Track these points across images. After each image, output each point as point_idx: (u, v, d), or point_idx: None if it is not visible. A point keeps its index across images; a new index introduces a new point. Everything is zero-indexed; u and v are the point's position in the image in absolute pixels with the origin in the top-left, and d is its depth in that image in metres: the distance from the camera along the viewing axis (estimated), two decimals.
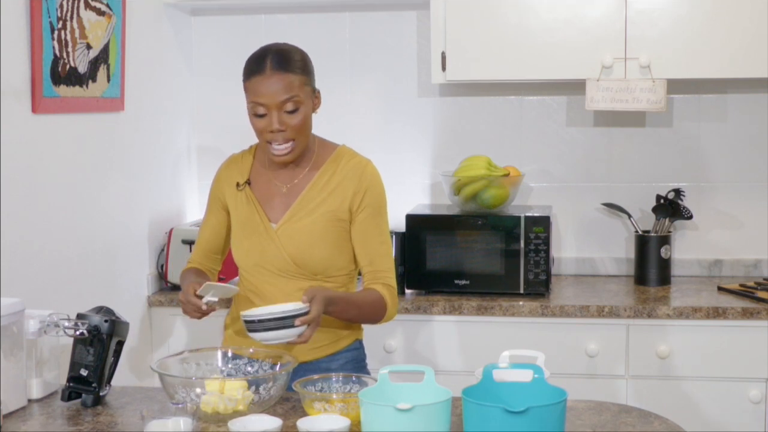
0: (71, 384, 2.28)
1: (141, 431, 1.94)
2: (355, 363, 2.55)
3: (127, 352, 3.37)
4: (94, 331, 2.27)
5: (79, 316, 2.28)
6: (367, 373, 2.56)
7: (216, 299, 2.35)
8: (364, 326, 2.63)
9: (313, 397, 2.10)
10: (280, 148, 2.42)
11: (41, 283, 2.84)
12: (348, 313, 2.46)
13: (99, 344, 2.27)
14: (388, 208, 2.56)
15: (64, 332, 2.28)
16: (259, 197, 2.53)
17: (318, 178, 2.50)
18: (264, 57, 2.42)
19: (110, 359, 2.30)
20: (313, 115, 2.50)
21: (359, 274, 2.57)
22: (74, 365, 2.29)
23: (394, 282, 2.52)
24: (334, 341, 2.52)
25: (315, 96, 2.48)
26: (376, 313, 2.49)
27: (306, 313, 2.25)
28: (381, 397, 1.95)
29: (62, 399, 2.28)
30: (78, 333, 2.26)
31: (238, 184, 2.55)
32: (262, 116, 2.41)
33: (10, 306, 2.20)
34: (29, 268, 2.79)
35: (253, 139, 3.97)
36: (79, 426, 2.14)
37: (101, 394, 2.28)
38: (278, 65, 2.39)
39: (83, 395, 2.27)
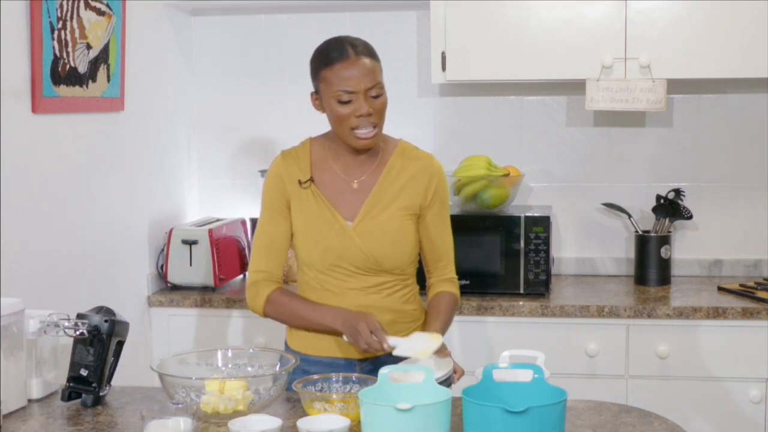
0: (71, 384, 2.28)
1: (141, 431, 1.93)
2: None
3: (127, 352, 3.36)
4: (94, 331, 2.27)
5: (79, 316, 2.28)
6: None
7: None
8: None
9: (313, 397, 2.10)
10: (366, 132, 2.41)
11: (41, 283, 2.84)
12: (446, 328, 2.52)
13: (99, 344, 2.27)
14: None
15: (64, 332, 2.28)
16: (327, 194, 2.48)
17: (387, 172, 2.49)
18: (342, 45, 2.40)
19: (110, 359, 2.30)
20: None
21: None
22: (74, 365, 2.28)
23: (454, 273, 2.61)
24: (410, 332, 2.48)
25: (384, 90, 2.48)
26: (454, 311, 2.59)
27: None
28: (381, 397, 1.95)
29: (62, 399, 2.28)
30: (78, 333, 2.26)
31: (300, 182, 2.48)
32: (346, 102, 2.38)
33: (10, 306, 2.20)
34: (29, 268, 2.79)
35: (254, 139, 3.96)
36: (79, 426, 2.14)
37: (101, 394, 2.28)
38: (361, 51, 2.40)
39: (83, 395, 2.27)
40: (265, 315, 2.51)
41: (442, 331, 2.45)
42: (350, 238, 2.44)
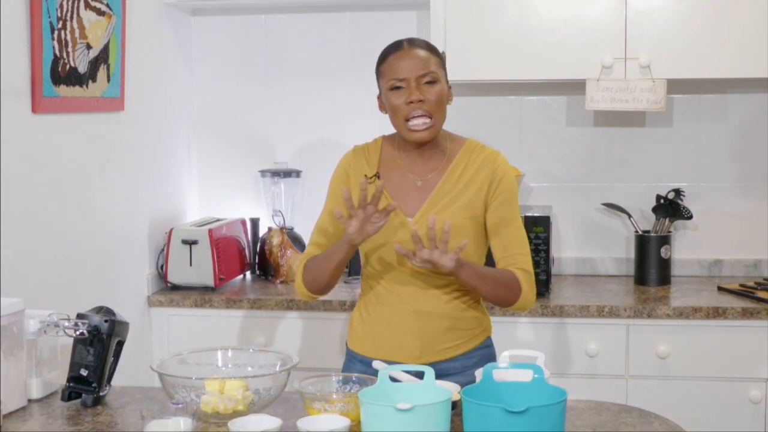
0: (71, 384, 2.28)
1: (141, 431, 1.94)
2: (487, 360, 2.53)
3: (127, 352, 3.36)
4: (94, 331, 2.27)
5: (79, 316, 2.28)
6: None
7: None
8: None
9: (313, 397, 2.10)
10: (419, 123, 2.41)
11: (41, 283, 2.84)
12: (476, 281, 2.40)
13: (99, 344, 2.27)
14: (518, 197, 2.55)
15: (64, 332, 2.28)
16: (392, 191, 2.48)
17: (451, 171, 2.48)
18: (399, 41, 2.46)
19: (110, 359, 2.30)
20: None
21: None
22: (74, 365, 2.28)
23: (529, 266, 2.48)
24: (468, 340, 2.50)
25: (449, 87, 2.49)
26: (508, 292, 2.45)
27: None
28: (381, 397, 1.95)
29: (62, 399, 2.28)
30: (78, 333, 2.26)
31: (366, 176, 2.48)
32: (398, 89, 2.40)
33: (10, 306, 2.20)
34: (29, 268, 2.79)
35: (254, 139, 3.96)
36: (79, 426, 2.14)
37: (101, 394, 2.28)
38: (416, 43, 2.45)
39: (83, 395, 2.27)
40: (306, 286, 2.50)
41: (474, 278, 2.36)
42: (409, 234, 2.40)
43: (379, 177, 2.49)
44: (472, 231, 2.45)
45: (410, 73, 2.40)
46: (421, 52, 2.42)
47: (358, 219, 2.33)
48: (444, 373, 2.39)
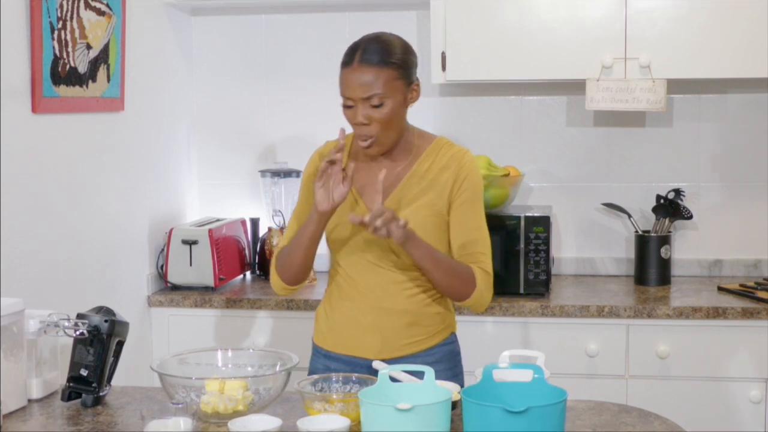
0: (71, 384, 2.28)
1: (141, 431, 1.94)
2: (450, 356, 2.53)
3: (127, 352, 3.36)
4: (94, 331, 2.27)
5: (79, 316, 2.28)
6: (461, 366, 2.56)
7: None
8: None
9: (313, 397, 2.10)
10: (364, 143, 2.41)
11: (41, 283, 2.84)
12: (429, 263, 2.38)
13: (99, 344, 2.27)
14: (483, 197, 2.52)
15: (64, 332, 2.28)
16: (358, 186, 2.49)
17: (417, 169, 2.48)
18: (356, 48, 2.39)
19: (110, 359, 2.30)
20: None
21: None
22: (74, 365, 2.28)
23: (489, 268, 2.47)
24: (429, 336, 2.50)
25: (411, 89, 2.44)
26: (462, 284, 2.43)
27: None
28: (381, 397, 1.95)
29: (62, 399, 2.28)
30: (78, 333, 2.26)
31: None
32: (350, 108, 2.39)
33: (10, 306, 2.19)
34: (29, 268, 2.79)
35: (254, 139, 3.96)
36: (79, 426, 2.14)
37: (101, 394, 2.28)
38: (366, 59, 2.35)
39: (83, 395, 2.27)
40: (279, 275, 2.51)
41: (422, 249, 2.35)
42: None
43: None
44: (434, 229, 2.45)
45: (355, 94, 2.37)
46: (369, 73, 2.35)
47: (326, 187, 2.34)
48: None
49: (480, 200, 2.50)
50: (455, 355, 2.56)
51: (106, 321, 2.27)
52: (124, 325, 2.33)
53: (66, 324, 2.27)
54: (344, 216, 2.44)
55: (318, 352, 2.56)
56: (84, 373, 2.27)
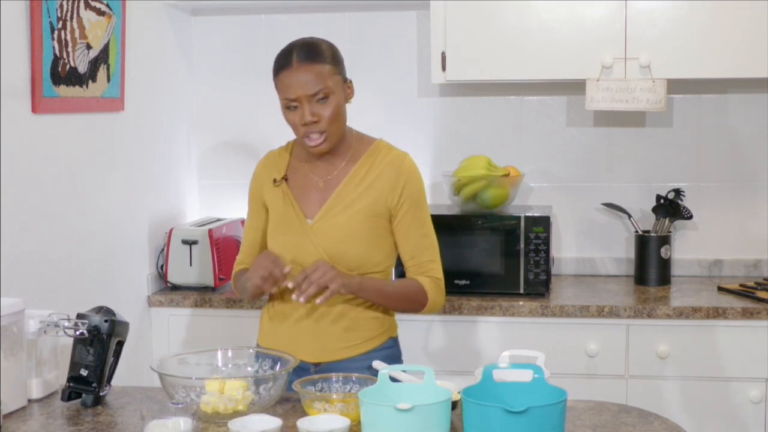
0: (71, 384, 2.28)
1: (141, 431, 1.94)
2: (389, 361, 2.53)
3: (127, 352, 3.36)
4: (94, 331, 2.27)
5: (79, 316, 2.28)
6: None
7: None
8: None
9: (313, 397, 2.10)
10: (315, 141, 2.42)
11: (41, 283, 2.84)
12: (378, 299, 2.46)
13: (99, 344, 2.27)
14: (427, 201, 2.56)
15: (64, 332, 2.28)
16: (296, 193, 2.52)
17: (354, 173, 2.49)
18: (290, 51, 2.43)
19: (110, 359, 2.30)
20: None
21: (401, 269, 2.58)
22: (74, 365, 2.28)
23: (438, 273, 2.52)
24: (367, 340, 2.51)
25: (347, 86, 2.48)
26: (414, 304, 2.51)
27: None
28: (381, 397, 1.95)
29: (62, 399, 2.28)
30: (78, 333, 2.26)
31: (275, 180, 2.53)
32: (294, 109, 2.40)
33: (10, 306, 2.20)
34: (29, 268, 2.79)
35: (254, 139, 3.96)
36: (79, 426, 2.14)
37: (101, 394, 2.28)
38: (305, 57, 2.40)
39: (83, 395, 2.27)
40: (239, 296, 2.66)
41: (369, 291, 2.42)
42: (307, 236, 2.46)
43: (286, 180, 2.53)
44: (373, 233, 2.47)
45: (301, 92, 2.38)
46: (311, 69, 2.39)
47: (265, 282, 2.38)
48: (342, 372, 2.37)
49: (422, 205, 2.53)
50: (395, 360, 2.57)
51: (106, 321, 2.28)
52: (124, 325, 2.33)
53: (66, 324, 2.27)
54: (287, 235, 2.48)
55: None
56: (84, 373, 2.27)
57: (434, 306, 2.52)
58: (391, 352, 2.57)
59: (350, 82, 2.50)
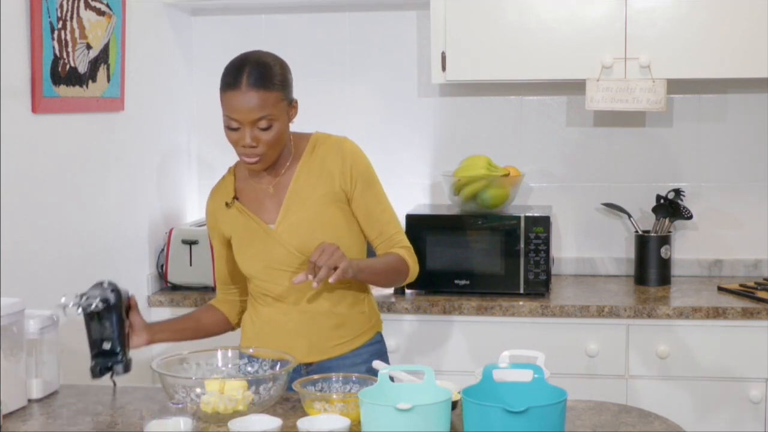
0: (98, 359, 2.30)
1: (141, 431, 1.94)
2: (378, 356, 2.55)
3: None
4: (104, 303, 2.28)
5: (82, 296, 2.29)
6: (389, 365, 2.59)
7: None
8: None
9: (313, 397, 2.10)
10: (251, 160, 2.42)
11: (41, 283, 2.84)
12: (373, 277, 2.50)
13: (112, 315, 2.30)
14: (377, 175, 2.56)
15: (81, 310, 2.28)
16: (250, 207, 2.53)
17: (300, 169, 2.50)
18: (241, 70, 2.38)
19: (126, 324, 2.32)
20: (296, 120, 2.50)
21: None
22: (94, 342, 2.31)
23: (407, 242, 2.56)
24: (357, 336, 2.54)
25: (292, 107, 2.45)
26: (400, 275, 2.55)
27: None
28: (381, 397, 1.95)
29: (93, 377, 2.31)
30: (93, 307, 2.27)
31: (226, 204, 2.54)
32: (235, 130, 2.38)
33: (10, 306, 2.20)
34: (29, 268, 2.79)
35: None
36: (79, 426, 2.14)
37: (129, 357, 2.33)
38: (254, 82, 2.35)
39: (113, 367, 2.30)
40: None
41: (365, 272, 2.43)
42: (274, 240, 2.48)
43: (237, 199, 2.54)
44: (336, 220, 2.49)
45: (244, 117, 2.35)
46: (258, 95, 2.34)
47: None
48: (335, 370, 2.44)
49: (374, 181, 2.54)
50: (382, 355, 2.59)
51: (112, 291, 2.31)
52: (125, 291, 2.37)
53: (79, 301, 2.28)
54: (253, 245, 2.50)
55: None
56: (107, 346, 2.30)
57: (413, 273, 2.57)
58: (380, 347, 2.60)
59: (295, 102, 2.47)
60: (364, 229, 2.54)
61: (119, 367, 2.32)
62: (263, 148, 2.39)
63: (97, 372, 2.32)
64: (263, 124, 2.36)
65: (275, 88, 2.38)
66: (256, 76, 2.36)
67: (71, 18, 2.93)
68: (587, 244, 3.84)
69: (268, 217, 2.51)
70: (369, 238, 2.55)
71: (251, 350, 2.42)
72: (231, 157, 3.98)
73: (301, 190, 2.49)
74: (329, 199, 2.48)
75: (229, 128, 2.39)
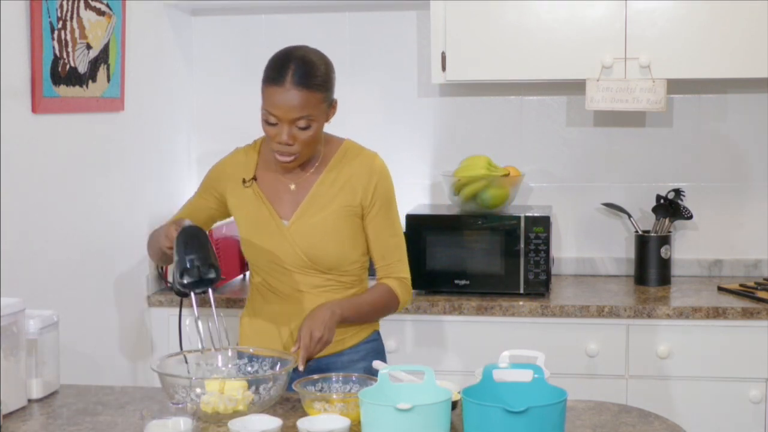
0: (185, 280, 2.32)
1: (141, 431, 1.94)
2: (375, 354, 2.57)
3: (127, 352, 3.36)
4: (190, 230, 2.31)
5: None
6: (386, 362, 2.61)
7: None
8: None
9: (313, 397, 2.10)
10: (285, 158, 2.41)
11: (41, 283, 2.84)
12: (358, 319, 2.51)
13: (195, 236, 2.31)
14: (396, 199, 2.57)
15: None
16: (267, 194, 2.52)
17: (326, 175, 2.50)
18: (286, 66, 2.35)
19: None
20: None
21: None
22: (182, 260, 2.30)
23: (405, 272, 2.56)
24: (355, 333, 2.55)
25: (332, 107, 2.44)
26: (388, 310, 2.56)
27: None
28: (381, 397, 1.95)
29: (180, 293, 2.35)
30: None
31: (244, 181, 2.54)
32: (273, 125, 2.37)
33: (10, 306, 2.20)
34: (29, 268, 2.79)
35: (254, 139, 3.95)
36: (79, 426, 2.14)
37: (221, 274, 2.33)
38: (299, 81, 2.33)
39: (204, 281, 2.32)
40: (149, 252, 2.64)
41: (346, 312, 2.43)
42: (284, 237, 2.48)
43: (255, 180, 2.53)
44: (349, 231, 2.49)
45: (284, 115, 2.34)
46: (299, 96, 2.32)
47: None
48: (332, 367, 2.46)
49: (392, 205, 2.55)
50: (379, 353, 2.60)
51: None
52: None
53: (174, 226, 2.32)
54: (263, 237, 2.49)
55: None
56: (197, 263, 2.30)
57: (404, 304, 2.58)
58: (377, 345, 2.61)
59: (335, 102, 2.45)
60: (369, 246, 2.54)
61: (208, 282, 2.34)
62: (299, 147, 2.39)
63: (189, 286, 2.33)
64: (302, 123, 2.36)
65: (318, 89, 2.36)
66: (301, 74, 2.34)
67: (71, 18, 2.93)
68: (587, 244, 3.84)
69: (284, 212, 2.50)
70: (373, 259, 2.56)
71: (251, 350, 2.42)
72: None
73: (322, 196, 2.49)
74: (347, 213, 2.48)
75: (266, 122, 2.38)
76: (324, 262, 2.48)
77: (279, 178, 2.53)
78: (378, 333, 2.64)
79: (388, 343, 3.37)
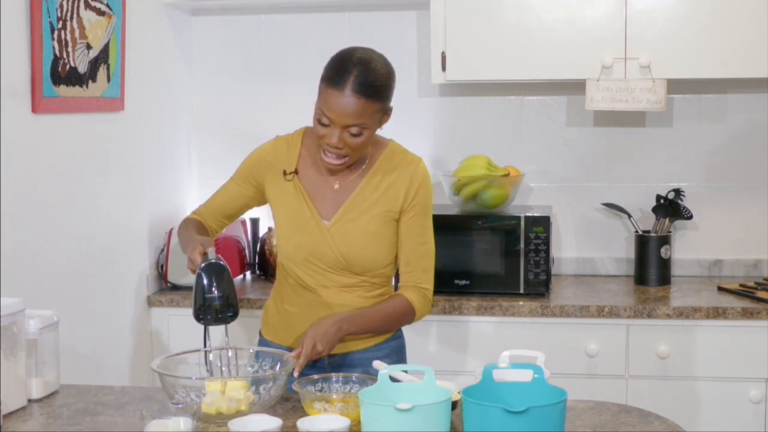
0: (202, 317, 2.33)
1: (141, 431, 1.94)
2: (398, 350, 2.57)
3: (127, 352, 3.37)
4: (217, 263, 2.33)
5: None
6: (406, 361, 2.62)
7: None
8: None
9: (313, 397, 2.10)
10: (332, 161, 2.39)
11: (41, 283, 2.84)
12: (367, 329, 2.48)
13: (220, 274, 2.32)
14: (432, 209, 2.55)
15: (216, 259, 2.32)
16: (309, 190, 2.49)
17: (371, 177, 2.48)
18: (348, 71, 2.31)
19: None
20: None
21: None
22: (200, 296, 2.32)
23: (428, 283, 2.52)
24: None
25: (386, 115, 2.41)
26: (401, 321, 2.53)
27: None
28: (381, 397, 1.96)
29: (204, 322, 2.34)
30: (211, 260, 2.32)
31: (285, 173, 2.50)
32: (325, 126, 2.35)
33: (10, 306, 2.19)
34: (29, 268, 2.79)
35: (254, 139, 3.96)
36: (79, 426, 2.14)
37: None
38: (358, 88, 2.29)
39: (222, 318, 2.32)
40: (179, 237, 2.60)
41: (353, 328, 2.42)
42: (324, 237, 2.46)
43: (297, 173, 2.50)
44: (386, 238, 2.48)
45: (338, 120, 2.32)
46: (357, 104, 2.29)
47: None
48: (356, 363, 2.46)
49: (428, 212, 2.53)
50: (401, 349, 2.61)
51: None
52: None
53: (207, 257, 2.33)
54: (302, 234, 2.46)
55: (268, 346, 2.56)
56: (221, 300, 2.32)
57: (420, 317, 2.54)
58: (400, 342, 2.61)
59: (391, 109, 2.42)
60: (398, 249, 2.51)
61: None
62: (347, 151, 2.37)
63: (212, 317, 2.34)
64: (354, 130, 2.33)
65: (377, 99, 2.34)
66: (362, 81, 2.30)
67: (71, 18, 2.93)
68: (587, 244, 3.84)
69: (324, 211, 2.47)
70: (398, 263, 2.53)
71: (251, 350, 2.42)
72: (231, 157, 3.99)
73: (365, 199, 2.47)
74: (387, 218, 2.47)
75: (319, 121, 2.36)
76: (361, 264, 2.46)
77: (323, 174, 2.49)
78: (401, 331, 2.63)
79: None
